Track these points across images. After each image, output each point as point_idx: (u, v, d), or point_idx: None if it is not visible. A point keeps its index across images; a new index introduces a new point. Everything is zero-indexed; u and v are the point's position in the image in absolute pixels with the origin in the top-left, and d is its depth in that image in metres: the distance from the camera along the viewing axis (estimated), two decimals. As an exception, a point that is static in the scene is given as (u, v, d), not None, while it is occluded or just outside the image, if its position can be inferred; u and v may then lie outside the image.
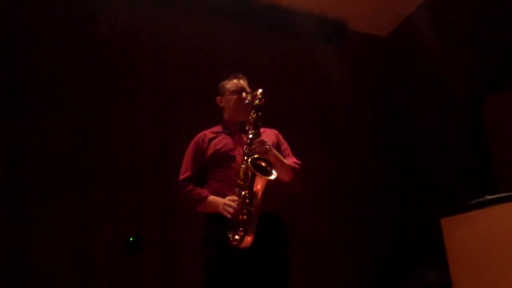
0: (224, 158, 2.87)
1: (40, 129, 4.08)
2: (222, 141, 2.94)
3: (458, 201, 3.84)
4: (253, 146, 2.73)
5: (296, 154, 3.07)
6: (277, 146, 2.97)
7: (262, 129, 2.90)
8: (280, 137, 3.08)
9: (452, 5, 5.27)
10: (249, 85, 3.06)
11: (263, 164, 2.68)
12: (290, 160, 2.93)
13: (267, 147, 2.74)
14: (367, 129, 5.66)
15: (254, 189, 2.65)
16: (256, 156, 2.69)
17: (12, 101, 4.05)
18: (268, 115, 2.93)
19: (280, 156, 2.85)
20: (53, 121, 4.14)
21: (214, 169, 2.89)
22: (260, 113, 2.83)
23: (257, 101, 2.83)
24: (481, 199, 3.62)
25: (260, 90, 2.85)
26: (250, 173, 2.66)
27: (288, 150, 3.03)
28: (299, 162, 2.95)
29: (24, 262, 3.79)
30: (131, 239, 4.16)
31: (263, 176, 2.62)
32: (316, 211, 5.00)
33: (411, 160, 5.62)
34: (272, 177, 2.63)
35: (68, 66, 4.29)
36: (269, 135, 2.97)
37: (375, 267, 5.15)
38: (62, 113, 4.19)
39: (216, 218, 2.73)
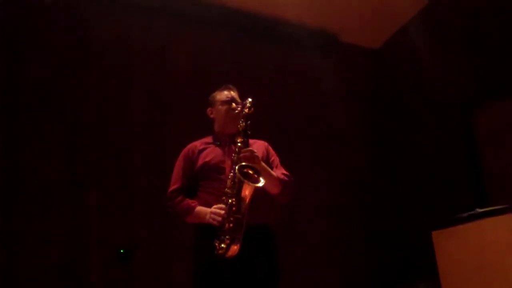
0: (214, 170, 2.86)
1: (30, 133, 4.07)
2: (212, 153, 2.93)
3: (449, 214, 3.83)
4: (241, 155, 2.73)
5: (289, 163, 3.07)
6: (266, 158, 2.98)
7: (252, 141, 2.92)
8: (270, 148, 3.08)
9: (444, 17, 5.30)
10: (242, 95, 3.06)
11: (250, 171, 2.67)
12: (279, 172, 2.92)
13: (255, 156, 2.73)
14: (359, 140, 5.67)
15: (242, 196, 2.62)
16: (243, 163, 2.68)
17: (7, 104, 4.05)
18: (261, 125, 2.93)
19: (267, 168, 2.84)
20: (46, 126, 4.14)
21: (204, 181, 2.89)
22: (249, 122, 2.84)
23: (246, 110, 2.83)
24: (472, 212, 3.60)
25: (250, 99, 2.85)
26: (237, 181, 2.64)
27: (277, 161, 3.03)
28: (287, 173, 2.94)
29: (15, 270, 3.77)
30: (121, 250, 4.14)
31: (251, 184, 2.60)
32: (307, 223, 4.98)
33: (402, 173, 5.62)
34: (260, 184, 2.61)
35: (62, 70, 4.29)
36: (258, 147, 2.97)
37: (366, 280, 5.13)
38: (55, 117, 4.19)
39: (205, 228, 2.71)
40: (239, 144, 2.78)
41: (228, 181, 2.71)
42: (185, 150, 3.01)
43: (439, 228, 3.79)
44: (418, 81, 5.60)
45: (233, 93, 3.06)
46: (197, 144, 3.01)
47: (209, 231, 2.67)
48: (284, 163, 3.06)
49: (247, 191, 2.62)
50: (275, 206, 2.91)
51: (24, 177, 3.98)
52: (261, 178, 2.63)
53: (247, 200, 2.62)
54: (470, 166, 4.91)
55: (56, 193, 4.04)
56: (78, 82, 4.34)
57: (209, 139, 3.05)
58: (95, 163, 4.26)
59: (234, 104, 2.97)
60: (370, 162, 5.65)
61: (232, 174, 2.70)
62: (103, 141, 4.34)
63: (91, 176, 4.22)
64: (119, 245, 4.14)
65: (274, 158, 3.04)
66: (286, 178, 2.89)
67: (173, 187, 2.92)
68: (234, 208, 2.62)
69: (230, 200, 2.64)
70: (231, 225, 2.60)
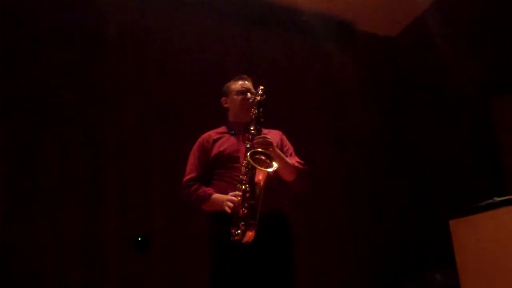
0: (228, 159, 2.88)
1: (49, 127, 4.11)
2: (227, 142, 2.95)
3: (467, 203, 3.80)
4: (254, 141, 2.74)
5: (303, 153, 3.07)
6: (281, 147, 2.99)
7: (266, 130, 2.93)
8: (284, 137, 3.09)
9: (461, 6, 5.22)
10: (256, 84, 3.06)
11: (262, 157, 2.69)
12: (293, 160, 2.93)
13: (269, 142, 2.74)
14: (375, 128, 5.62)
15: (255, 182, 2.64)
16: (255, 150, 2.69)
17: (21, 99, 4.09)
18: (276, 114, 2.93)
19: (282, 154, 2.85)
20: (61, 119, 4.18)
21: (219, 170, 2.90)
22: (261, 109, 2.86)
23: (258, 98, 2.86)
24: (490, 201, 3.57)
25: (262, 87, 2.88)
26: (250, 167, 2.67)
27: (291, 150, 3.04)
28: (302, 161, 2.95)
29: (30, 258, 3.81)
30: (139, 238, 4.18)
31: (263, 169, 2.62)
32: (321, 211, 4.98)
33: (419, 162, 5.58)
34: (271, 169, 2.63)
35: (75, 64, 4.32)
36: (273, 136, 2.97)
37: (382, 269, 5.12)
38: (70, 111, 4.23)
39: (220, 216, 2.73)
40: (252, 132, 2.80)
41: (242, 168, 2.73)
42: (200, 139, 3.03)
43: (457, 217, 3.76)
44: (435, 70, 5.53)
45: (248, 83, 3.07)
46: (212, 134, 3.03)
47: (224, 218, 2.68)
48: (298, 153, 3.06)
49: (260, 177, 2.64)
50: (289, 193, 2.92)
51: (42, 170, 4.02)
52: (273, 163, 2.65)
53: (261, 185, 2.64)
54: (488, 155, 4.86)
55: (72, 184, 4.09)
56: (94, 76, 4.37)
57: (223, 128, 3.07)
58: (112, 154, 4.30)
59: (249, 94, 2.98)
60: (387, 151, 5.62)
61: (246, 161, 2.71)
62: (120, 133, 4.38)
63: (109, 168, 4.26)
64: (137, 234, 4.19)
65: (288, 147, 3.05)
66: (300, 166, 2.90)
67: (188, 176, 2.94)
68: (248, 194, 2.64)
69: (243, 187, 2.66)
70: (245, 211, 2.61)
